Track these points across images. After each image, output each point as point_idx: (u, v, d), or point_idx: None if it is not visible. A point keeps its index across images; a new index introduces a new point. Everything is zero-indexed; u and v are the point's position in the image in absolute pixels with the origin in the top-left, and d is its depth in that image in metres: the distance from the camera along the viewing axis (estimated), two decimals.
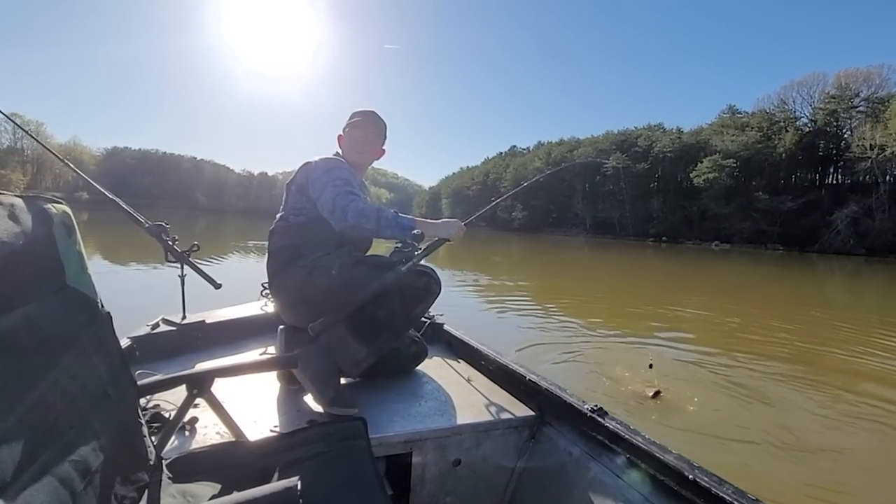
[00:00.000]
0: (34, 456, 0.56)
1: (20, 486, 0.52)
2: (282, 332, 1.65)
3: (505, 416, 1.46)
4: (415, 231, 1.36)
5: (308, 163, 1.57)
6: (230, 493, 0.82)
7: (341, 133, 1.73)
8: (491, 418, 1.43)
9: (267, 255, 1.58)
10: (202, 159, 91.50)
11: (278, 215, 1.59)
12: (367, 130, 1.70)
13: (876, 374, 4.66)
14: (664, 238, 50.69)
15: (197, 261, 1.75)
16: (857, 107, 46.23)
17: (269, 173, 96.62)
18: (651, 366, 3.98)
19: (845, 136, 47.23)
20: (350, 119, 1.72)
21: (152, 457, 0.83)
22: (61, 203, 0.69)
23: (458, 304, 6.90)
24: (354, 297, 1.37)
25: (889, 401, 3.83)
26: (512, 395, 1.59)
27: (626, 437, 1.15)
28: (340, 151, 1.72)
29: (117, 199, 1.61)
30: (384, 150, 1.79)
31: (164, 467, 0.87)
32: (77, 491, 0.61)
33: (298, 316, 1.54)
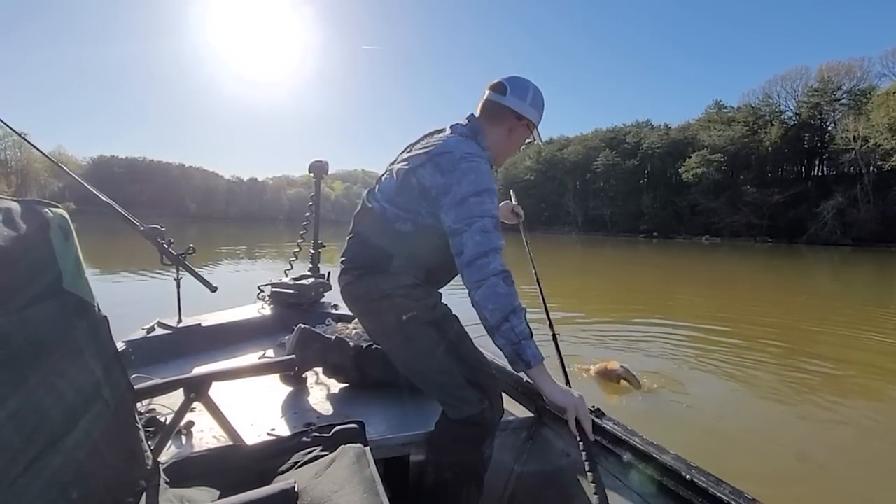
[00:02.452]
0: (28, 460, 0.55)
1: (14, 491, 0.52)
2: (298, 332, 1.63)
3: (502, 417, 1.46)
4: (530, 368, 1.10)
5: (446, 151, 1.18)
6: (227, 497, 0.82)
7: (496, 102, 1.27)
8: None
9: (352, 233, 1.33)
10: (190, 166, 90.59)
11: (377, 195, 1.30)
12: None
13: (863, 347, 4.85)
14: (655, 233, 51.13)
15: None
16: (839, 99, 47.04)
17: (259, 178, 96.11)
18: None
19: (829, 128, 48.04)
20: (525, 91, 1.27)
21: (149, 461, 0.82)
22: (58, 207, 0.69)
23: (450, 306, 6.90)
24: (403, 356, 1.28)
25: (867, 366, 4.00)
26: (509, 396, 1.58)
27: (624, 437, 1.14)
28: (487, 135, 1.28)
29: (113, 203, 1.62)
30: None
31: (161, 472, 0.87)
32: (72, 496, 0.61)
33: (358, 318, 1.41)
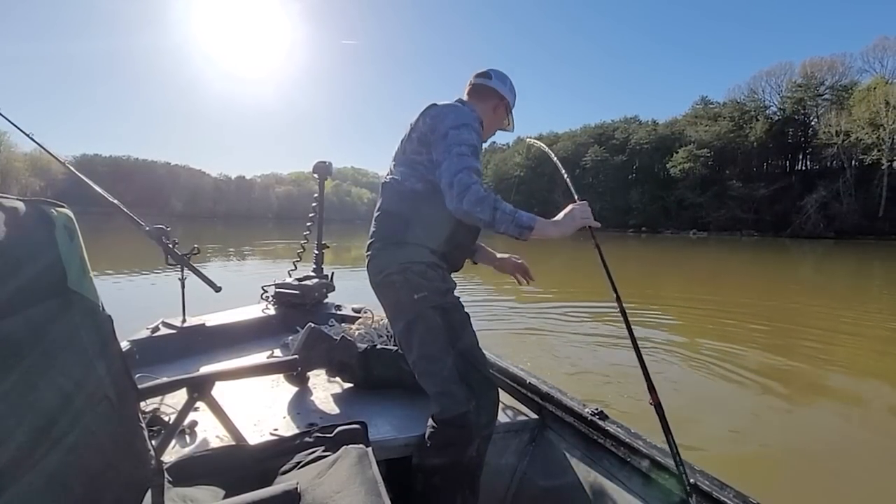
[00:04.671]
0: (34, 459, 0.56)
1: (20, 489, 0.52)
2: (307, 330, 1.62)
3: (505, 419, 1.46)
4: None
5: (435, 105, 1.35)
6: (231, 497, 0.82)
7: (483, 84, 1.46)
8: None
9: (378, 210, 1.41)
10: (176, 164, 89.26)
11: (392, 171, 1.40)
12: (510, 102, 1.49)
13: (845, 331, 4.99)
14: (644, 228, 51.65)
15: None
16: (822, 95, 47.96)
17: (247, 176, 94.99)
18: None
19: (812, 123, 48.97)
20: (505, 78, 1.47)
21: (153, 461, 0.82)
22: (63, 207, 0.69)
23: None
24: (407, 337, 1.31)
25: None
26: (512, 398, 1.59)
27: (627, 440, 1.14)
28: (471, 103, 1.44)
29: (119, 204, 1.64)
30: None
31: (164, 471, 0.87)
32: (78, 494, 0.61)
33: (375, 291, 1.40)
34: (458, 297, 1.39)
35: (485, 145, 1.52)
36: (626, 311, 1.19)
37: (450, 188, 1.19)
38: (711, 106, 56.30)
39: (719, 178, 49.78)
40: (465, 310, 1.40)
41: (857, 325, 5.97)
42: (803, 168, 51.00)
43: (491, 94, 1.47)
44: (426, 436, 1.27)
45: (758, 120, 50.37)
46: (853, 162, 42.81)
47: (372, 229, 1.40)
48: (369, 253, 1.38)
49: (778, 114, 51.12)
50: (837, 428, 2.94)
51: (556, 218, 1.26)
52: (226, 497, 0.87)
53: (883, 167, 39.96)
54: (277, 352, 1.97)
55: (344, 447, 1.02)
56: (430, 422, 1.27)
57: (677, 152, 51.67)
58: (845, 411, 3.20)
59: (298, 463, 0.99)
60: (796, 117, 49.68)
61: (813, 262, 19.17)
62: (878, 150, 40.16)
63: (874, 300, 8.87)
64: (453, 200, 1.19)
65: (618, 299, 1.19)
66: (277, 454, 1.02)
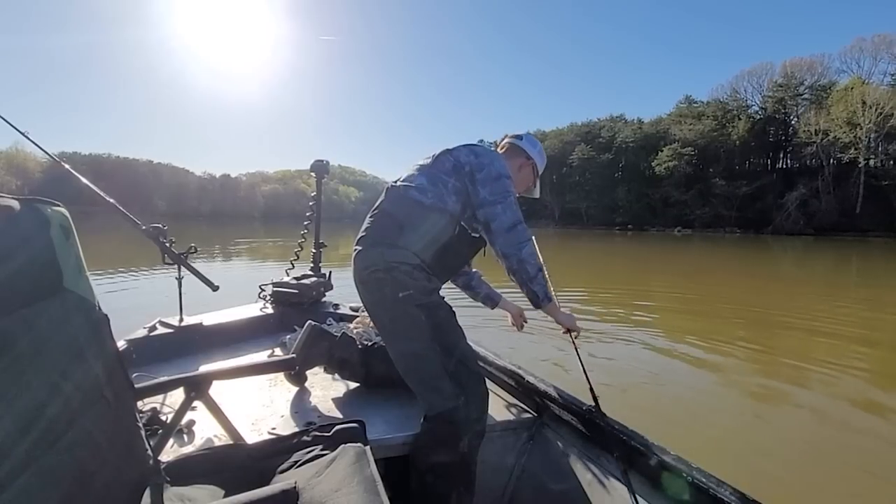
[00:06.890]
0: (31, 459, 0.55)
1: (17, 490, 0.52)
2: (308, 328, 1.61)
3: (503, 417, 1.47)
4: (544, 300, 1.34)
5: (478, 147, 1.44)
6: (228, 496, 0.82)
7: (513, 143, 1.60)
8: (489, 420, 1.41)
9: (375, 209, 1.42)
10: (159, 162, 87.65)
11: (404, 180, 1.41)
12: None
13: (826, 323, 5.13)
14: (630, 226, 52.30)
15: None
16: (802, 94, 49.10)
17: (232, 175, 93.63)
18: None
19: (792, 122, 50.10)
20: (536, 142, 1.62)
21: (150, 460, 0.82)
22: (59, 206, 0.68)
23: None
24: (391, 335, 1.33)
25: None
26: (511, 396, 1.60)
27: (624, 437, 1.14)
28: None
29: (116, 203, 1.64)
30: None
31: (162, 471, 0.86)
32: (75, 495, 0.61)
33: (358, 287, 1.41)
34: (444, 297, 1.39)
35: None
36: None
37: (509, 231, 1.32)
38: (695, 105, 57.25)
39: (703, 176, 50.63)
40: (452, 308, 1.39)
41: (835, 316, 6.14)
42: (784, 166, 52.18)
43: (519, 153, 1.59)
44: (418, 435, 1.27)
45: (740, 119, 51.35)
46: (831, 160, 43.91)
47: (365, 225, 1.40)
48: (359, 248, 1.37)
49: (759, 113, 52.18)
50: (814, 416, 3.01)
51: (561, 311, 1.42)
52: (224, 496, 0.87)
53: (860, 165, 41.04)
54: (276, 351, 1.96)
55: (342, 446, 1.02)
56: (422, 422, 1.27)
57: (662, 150, 52.43)
58: (824, 403, 3.28)
59: (296, 462, 0.99)
60: (777, 116, 50.78)
61: (794, 257, 19.62)
62: (855, 149, 41.23)
63: (852, 293, 9.14)
64: (512, 246, 1.31)
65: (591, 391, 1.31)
66: (275, 453, 1.01)
